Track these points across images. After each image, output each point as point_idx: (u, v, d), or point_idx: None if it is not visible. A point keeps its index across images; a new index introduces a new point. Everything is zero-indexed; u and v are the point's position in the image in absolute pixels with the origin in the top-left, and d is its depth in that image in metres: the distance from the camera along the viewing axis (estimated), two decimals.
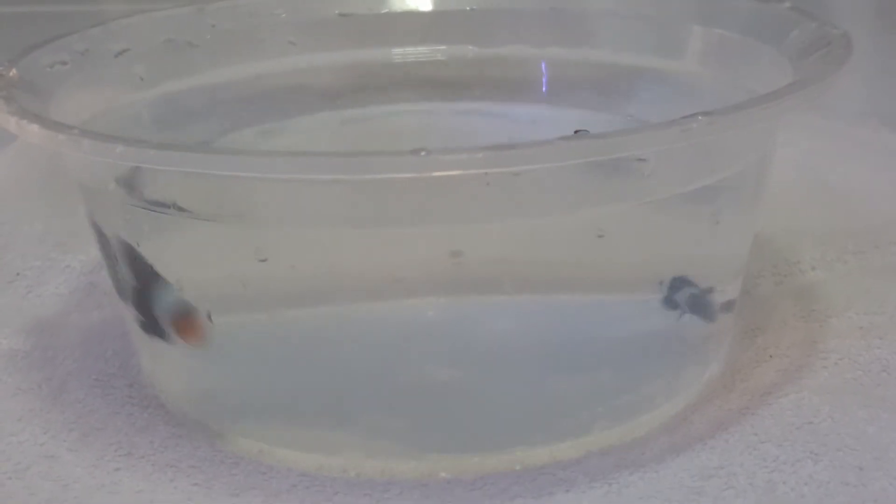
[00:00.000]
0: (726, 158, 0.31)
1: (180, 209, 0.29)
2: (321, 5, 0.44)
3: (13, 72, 0.34)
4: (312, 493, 0.30)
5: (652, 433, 0.32)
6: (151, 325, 0.32)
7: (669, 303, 0.31)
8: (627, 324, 0.32)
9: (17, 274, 0.43)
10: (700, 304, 0.32)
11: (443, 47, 0.45)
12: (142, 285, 0.31)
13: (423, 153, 0.26)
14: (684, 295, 0.32)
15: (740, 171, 0.32)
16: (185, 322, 0.31)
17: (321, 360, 0.31)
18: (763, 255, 0.42)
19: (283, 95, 0.44)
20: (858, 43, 0.34)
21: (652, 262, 0.32)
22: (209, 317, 0.30)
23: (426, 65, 0.45)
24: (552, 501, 0.29)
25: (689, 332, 0.34)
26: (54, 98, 0.35)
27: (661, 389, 0.33)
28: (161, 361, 0.35)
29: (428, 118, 0.44)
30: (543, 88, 0.45)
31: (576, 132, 0.34)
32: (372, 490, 0.30)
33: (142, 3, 0.43)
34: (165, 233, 0.31)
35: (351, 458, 0.31)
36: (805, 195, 0.47)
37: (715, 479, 0.30)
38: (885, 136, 0.53)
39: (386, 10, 0.44)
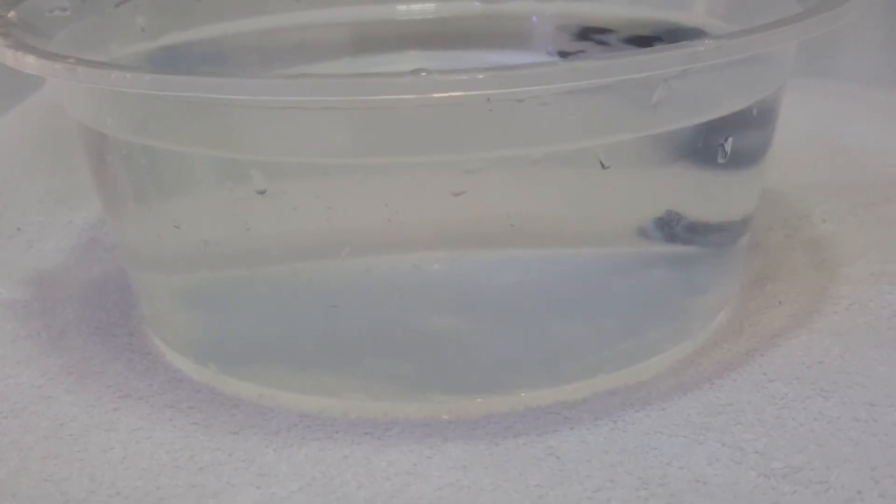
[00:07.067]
0: (735, 93, 0.31)
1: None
2: None
3: (12, 13, 0.34)
4: (313, 432, 0.30)
5: (659, 375, 0.32)
6: None
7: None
8: (632, 271, 0.32)
9: (18, 229, 0.43)
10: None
11: (448, 3, 0.45)
12: None
13: (423, 73, 0.25)
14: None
15: (750, 107, 0.32)
16: None
17: (324, 308, 0.31)
18: (773, 209, 0.41)
19: (286, 50, 0.43)
20: (874, 7, 0.34)
21: (655, 200, 0.31)
22: None
23: (431, 21, 0.44)
24: (556, 439, 0.29)
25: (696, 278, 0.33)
26: (53, 42, 0.34)
27: (668, 334, 0.33)
28: (162, 308, 0.34)
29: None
30: (549, 44, 0.44)
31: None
32: (373, 430, 0.30)
33: None
34: (166, 172, 0.31)
35: (353, 400, 0.31)
36: (817, 152, 0.46)
37: (723, 415, 0.29)
38: None
39: None
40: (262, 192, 0.29)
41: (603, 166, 0.29)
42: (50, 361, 0.34)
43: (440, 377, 0.31)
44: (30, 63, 0.29)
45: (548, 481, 0.27)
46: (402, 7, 0.45)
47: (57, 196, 0.45)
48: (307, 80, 0.26)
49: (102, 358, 0.34)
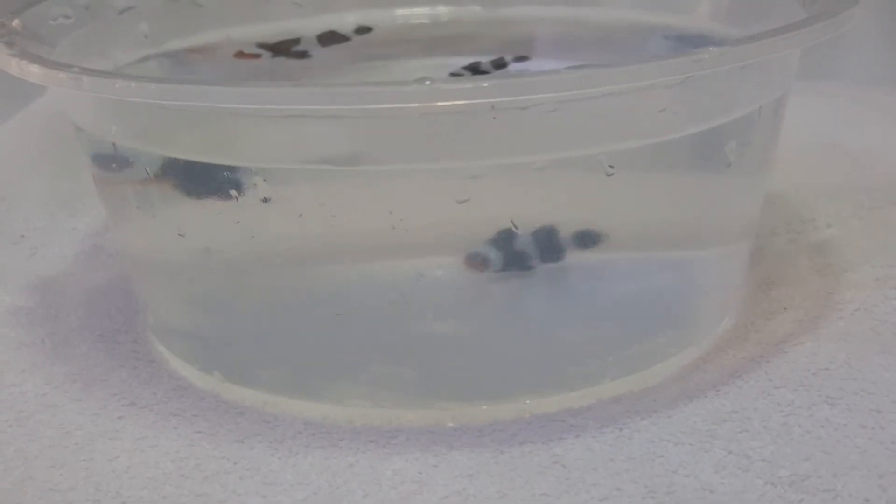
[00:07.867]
0: (739, 98, 0.31)
1: None
2: None
3: (16, 22, 0.34)
4: (317, 440, 0.30)
5: (664, 382, 0.32)
6: None
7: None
8: (636, 277, 0.32)
9: (22, 236, 0.43)
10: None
11: (448, 8, 0.45)
12: None
13: (427, 82, 0.25)
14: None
15: (754, 112, 0.32)
16: None
17: (328, 314, 0.31)
18: (777, 212, 0.41)
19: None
20: (875, 11, 0.34)
21: (663, 206, 0.31)
22: None
23: (431, 25, 0.44)
24: (562, 446, 0.29)
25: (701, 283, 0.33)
26: (56, 50, 0.34)
27: (672, 341, 0.33)
28: (166, 315, 0.34)
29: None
30: (552, 48, 0.44)
31: None
32: (378, 437, 0.30)
33: None
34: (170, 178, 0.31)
35: (357, 407, 0.31)
36: (820, 156, 0.46)
37: (729, 422, 0.29)
38: None
39: None
40: (266, 200, 0.29)
41: (608, 173, 0.29)
42: (54, 369, 0.34)
43: (444, 384, 0.31)
44: (34, 72, 0.29)
45: (554, 490, 0.27)
46: (402, 11, 0.44)
47: (60, 202, 0.45)
48: (313, 90, 0.26)
49: (107, 366, 0.34)
